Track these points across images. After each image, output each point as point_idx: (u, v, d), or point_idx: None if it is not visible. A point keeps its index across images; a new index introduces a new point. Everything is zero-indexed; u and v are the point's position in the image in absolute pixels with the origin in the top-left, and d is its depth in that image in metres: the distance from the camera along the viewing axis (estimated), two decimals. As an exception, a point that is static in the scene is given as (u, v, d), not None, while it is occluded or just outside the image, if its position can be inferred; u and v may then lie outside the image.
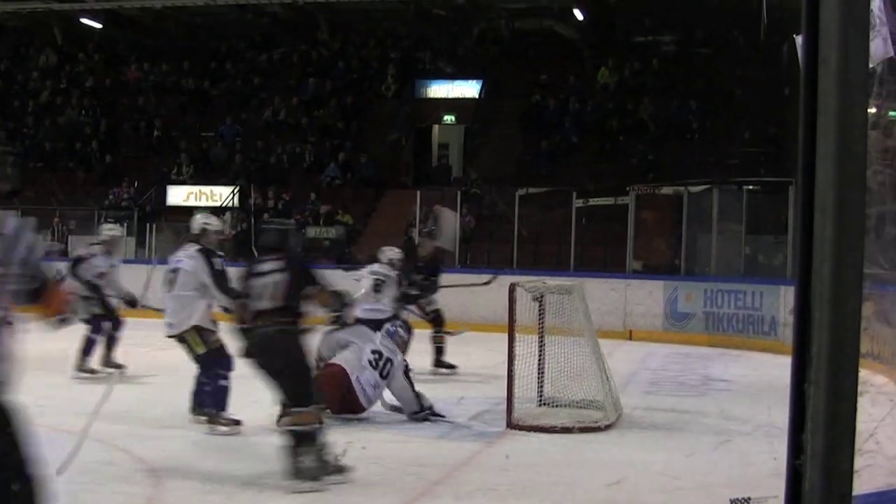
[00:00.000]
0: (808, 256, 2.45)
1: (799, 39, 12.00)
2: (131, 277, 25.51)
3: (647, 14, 32.49)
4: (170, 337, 11.87)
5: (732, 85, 30.89)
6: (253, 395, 11.15)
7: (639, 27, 33.40)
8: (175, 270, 11.89)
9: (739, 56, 31.17)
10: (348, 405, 11.89)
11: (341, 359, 12.15)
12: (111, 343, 16.30)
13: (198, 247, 11.82)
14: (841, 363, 2.42)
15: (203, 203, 32.08)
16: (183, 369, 12.37)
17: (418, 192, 28.64)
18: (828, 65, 2.41)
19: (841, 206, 2.40)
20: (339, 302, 9.95)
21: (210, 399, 11.52)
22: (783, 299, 21.36)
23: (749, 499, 7.43)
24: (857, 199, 2.41)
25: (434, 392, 13.07)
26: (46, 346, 9.80)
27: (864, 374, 2.53)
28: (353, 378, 11.92)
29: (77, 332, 14.90)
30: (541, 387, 12.81)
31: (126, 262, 28.07)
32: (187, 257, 11.82)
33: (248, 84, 36.77)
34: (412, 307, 16.86)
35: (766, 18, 23.03)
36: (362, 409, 12.01)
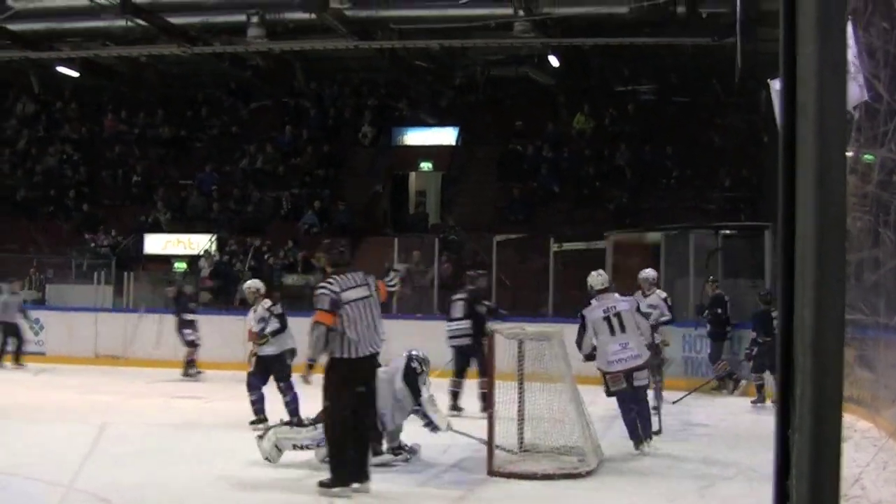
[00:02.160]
0: (790, 302, 2.45)
1: (774, 85, 12.09)
2: (111, 326, 25.49)
3: (622, 61, 32.62)
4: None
5: (709, 131, 31.04)
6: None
7: (615, 75, 33.53)
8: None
9: (715, 102, 31.36)
10: None
11: None
12: None
13: None
14: (824, 408, 2.42)
15: (181, 251, 32.06)
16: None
17: (396, 240, 28.69)
18: (806, 111, 2.42)
19: (822, 252, 2.40)
20: None
21: None
22: (759, 343, 21.40)
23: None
24: (837, 245, 2.42)
25: (416, 439, 13.04)
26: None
27: (847, 419, 2.53)
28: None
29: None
30: (521, 433, 12.80)
31: (103, 310, 28.25)
32: None
33: (225, 133, 36.79)
34: None
35: (740, 64, 23.17)
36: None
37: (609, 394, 13.61)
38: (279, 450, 12.24)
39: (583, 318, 14.06)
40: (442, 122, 35.71)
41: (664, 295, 18.94)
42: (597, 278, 14.46)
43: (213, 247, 32.00)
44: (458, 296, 18.07)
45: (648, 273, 19.04)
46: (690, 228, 25.10)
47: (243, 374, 23.91)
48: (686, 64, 31.66)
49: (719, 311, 22.04)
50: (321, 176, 34.37)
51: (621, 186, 31.07)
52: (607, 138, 32.98)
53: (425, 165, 35.74)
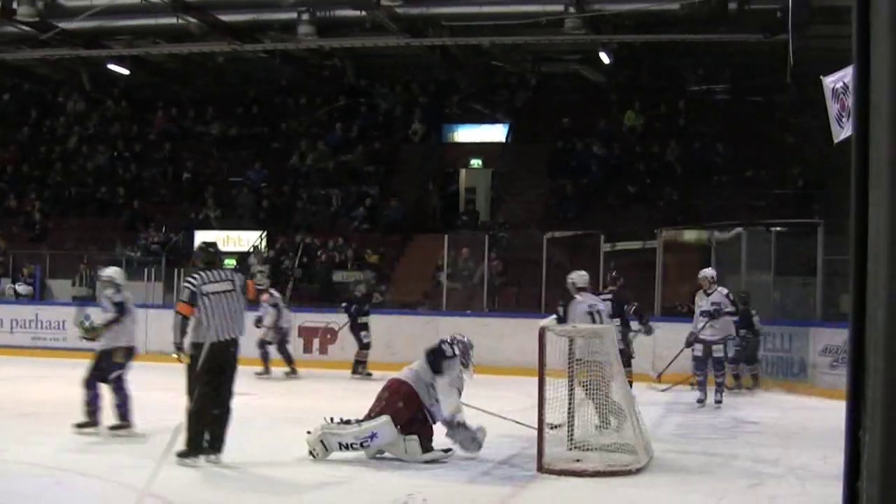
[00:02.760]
0: (862, 303, 2.44)
1: (826, 81, 11.98)
2: (162, 323, 25.65)
3: (673, 58, 32.53)
4: None
5: (761, 128, 30.87)
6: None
7: (666, 71, 33.45)
8: None
9: (767, 99, 31.23)
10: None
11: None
12: None
13: None
14: (896, 410, 2.41)
15: (231, 248, 32.16)
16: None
17: (446, 237, 28.70)
18: (879, 111, 2.41)
19: (895, 252, 2.39)
20: None
21: None
22: (812, 341, 21.30)
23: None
24: (910, 245, 2.41)
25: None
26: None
27: (918, 420, 2.52)
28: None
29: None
30: (571, 430, 12.78)
31: (154, 306, 28.43)
32: None
33: (274, 129, 36.91)
34: None
35: (792, 61, 23.05)
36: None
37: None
38: (325, 446, 12.26)
39: (564, 309, 15.59)
40: (492, 119, 35.70)
41: (726, 291, 19.81)
42: (581, 277, 16.03)
43: (263, 244, 32.10)
44: (605, 296, 18.13)
45: (708, 272, 19.98)
46: (743, 226, 24.99)
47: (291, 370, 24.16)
48: (738, 61, 31.57)
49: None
50: (371, 173, 34.44)
51: (672, 183, 30.95)
52: (658, 135, 32.86)
53: (475, 162, 35.74)
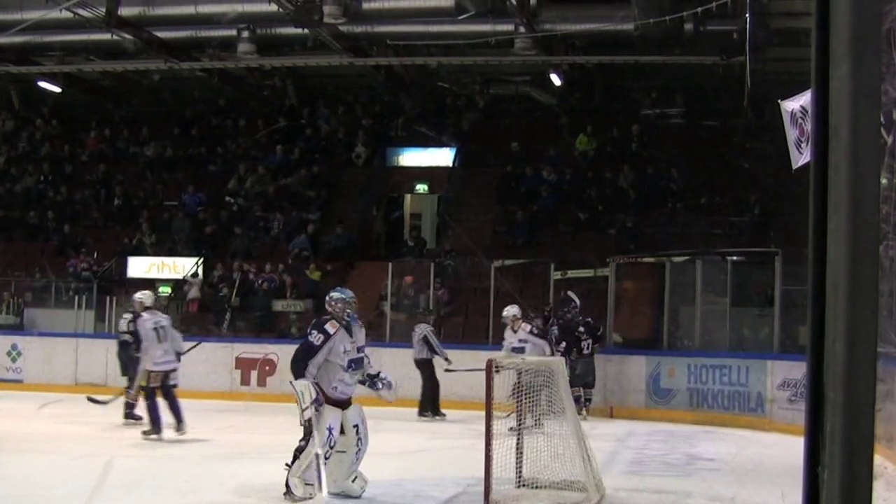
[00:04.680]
0: (820, 334, 2.45)
1: (785, 106, 12.07)
2: (92, 353, 25.44)
3: (626, 80, 32.69)
4: None
5: (716, 153, 31.01)
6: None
7: (618, 94, 33.60)
8: None
9: (723, 124, 31.40)
10: None
11: None
12: None
13: None
14: (856, 445, 2.41)
15: (166, 275, 32.01)
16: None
17: (390, 264, 28.65)
18: (839, 135, 2.42)
19: (854, 281, 2.40)
20: None
21: None
22: (770, 374, 21.40)
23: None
24: (870, 274, 2.42)
25: (411, 472, 13.01)
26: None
27: (877, 457, 2.52)
28: None
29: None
30: (519, 467, 12.75)
31: (84, 336, 28.22)
32: None
33: (212, 151, 36.78)
34: None
35: (749, 84, 23.22)
36: None
37: None
38: (306, 481, 11.97)
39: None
40: (439, 143, 35.66)
41: (528, 328, 20.74)
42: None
43: (200, 271, 31.94)
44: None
45: (511, 310, 20.75)
46: (697, 254, 25.12)
47: (229, 404, 24.07)
48: (693, 83, 31.72)
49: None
50: (313, 198, 34.34)
51: (625, 210, 31.03)
52: (611, 160, 32.96)
53: (421, 187, 35.73)
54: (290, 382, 12.06)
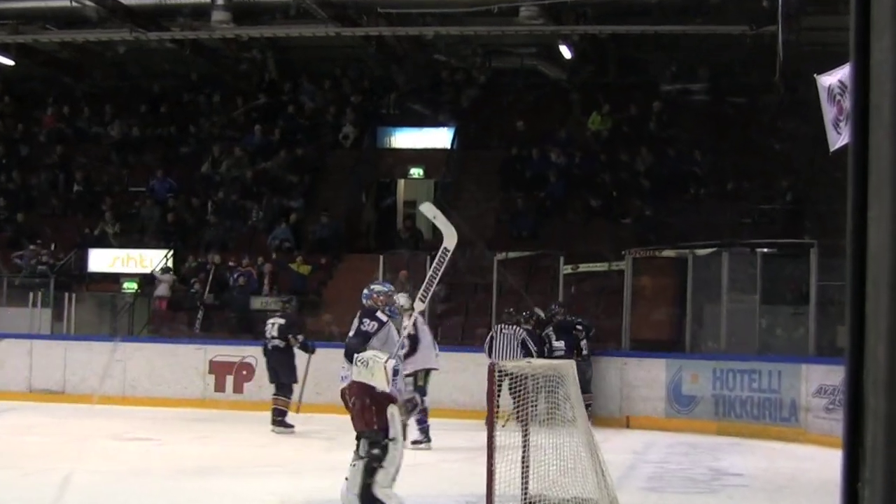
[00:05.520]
0: (860, 336, 2.43)
1: (821, 81, 12.05)
2: (49, 356, 25.44)
3: (644, 52, 32.65)
4: None
5: (746, 133, 30.96)
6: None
7: (636, 69, 33.55)
8: None
9: (752, 101, 31.34)
10: None
11: None
12: None
13: None
14: (899, 458, 2.40)
15: (131, 269, 31.96)
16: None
17: (381, 258, 28.61)
18: (880, 113, 2.40)
19: (898, 276, 2.38)
20: None
21: None
22: (804, 380, 21.37)
23: None
24: (916, 267, 2.40)
25: (405, 489, 12.98)
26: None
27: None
28: None
29: None
30: (525, 483, 12.73)
31: (40, 337, 28.20)
32: None
33: (183, 131, 36.73)
34: None
35: (781, 56, 23.19)
36: None
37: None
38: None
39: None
40: (435, 122, 35.60)
41: (422, 319, 20.81)
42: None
43: (170, 264, 31.86)
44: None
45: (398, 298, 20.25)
46: (723, 246, 25.07)
47: (201, 412, 24.09)
48: (719, 57, 31.67)
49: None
50: (295, 183, 34.26)
51: (643, 197, 30.97)
52: (627, 141, 32.90)
53: (416, 172, 35.70)
54: (357, 361, 11.91)
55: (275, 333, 21.76)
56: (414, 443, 18.37)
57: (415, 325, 19.12)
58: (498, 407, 11.98)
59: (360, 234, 34.13)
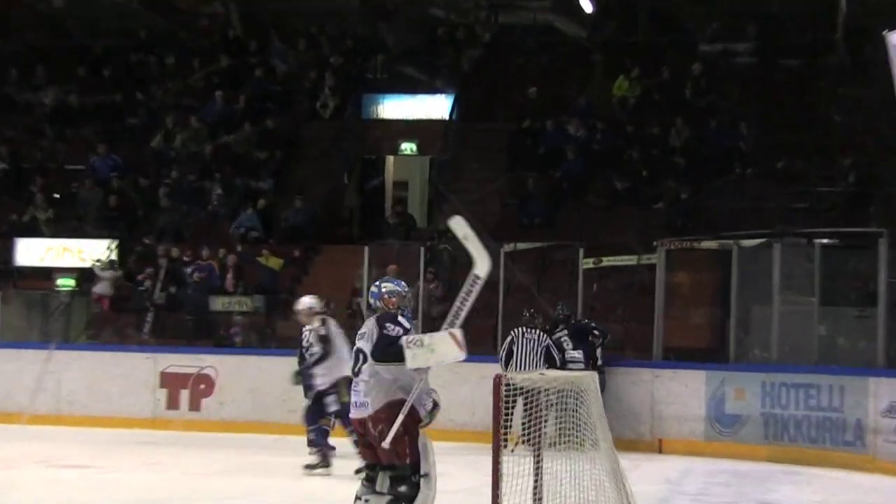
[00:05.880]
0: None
1: (891, 37, 11.83)
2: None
3: (678, 6, 32.55)
4: None
5: (798, 101, 30.87)
6: None
7: (670, 24, 33.42)
8: None
9: (809, 62, 31.25)
10: None
11: None
12: None
13: None
14: None
15: (67, 263, 31.79)
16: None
17: (366, 249, 28.39)
18: None
19: None
20: None
21: None
22: (872, 396, 21.21)
23: None
24: None
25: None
26: None
27: None
28: None
29: None
30: (539, 518, 12.60)
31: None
32: None
33: (131, 99, 36.61)
34: None
35: (844, 8, 23.04)
36: None
37: None
38: None
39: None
40: (431, 89, 35.56)
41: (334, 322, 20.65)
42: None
43: (114, 256, 31.67)
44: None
45: (307, 301, 20.60)
46: (775, 236, 24.89)
47: (150, 435, 23.97)
48: (768, 11, 31.57)
49: None
50: (264, 161, 34.14)
51: (678, 177, 30.82)
52: (659, 111, 32.76)
53: (407, 147, 35.63)
54: (410, 343, 11.70)
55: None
56: (307, 467, 18.90)
57: (326, 325, 19.22)
58: (508, 428, 11.72)
59: (342, 222, 34.14)
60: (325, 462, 19.04)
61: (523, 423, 12.53)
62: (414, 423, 11.40)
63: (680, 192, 30.35)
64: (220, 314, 29.59)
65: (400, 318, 11.87)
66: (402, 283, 12.53)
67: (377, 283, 12.47)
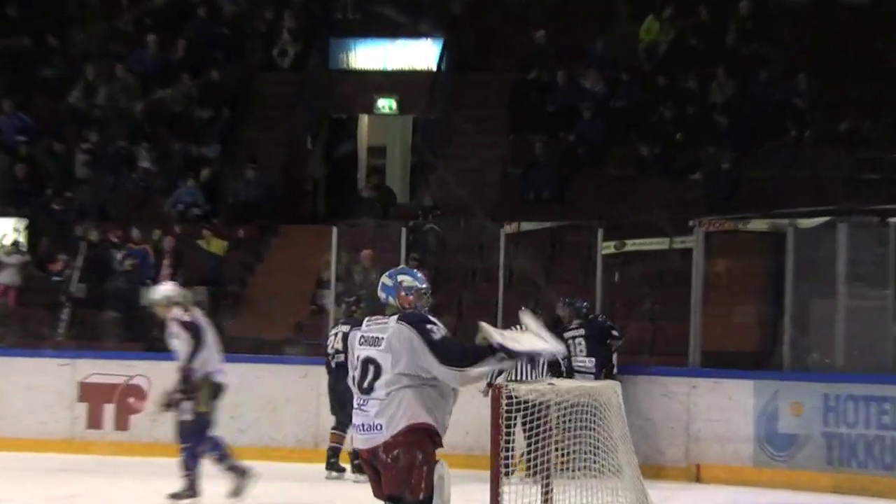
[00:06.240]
0: None
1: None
2: None
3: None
4: None
5: (865, 48, 30.87)
6: None
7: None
8: None
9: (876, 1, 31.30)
10: None
11: None
12: None
13: None
14: None
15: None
16: None
17: (334, 230, 28.31)
18: None
19: None
20: None
21: None
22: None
23: None
24: None
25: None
26: None
27: None
28: None
29: None
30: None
31: None
32: None
33: (42, 45, 36.52)
34: None
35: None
36: None
37: None
38: None
39: None
40: (413, 33, 35.48)
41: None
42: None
43: (21, 238, 31.63)
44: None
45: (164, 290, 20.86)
46: (839, 214, 24.81)
47: (67, 460, 23.89)
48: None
49: None
50: (209, 121, 34.11)
51: (718, 142, 30.78)
52: (696, 59, 32.71)
53: (385, 104, 35.65)
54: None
55: (340, 346, 21.50)
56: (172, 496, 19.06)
57: (190, 312, 19.25)
58: (509, 450, 11.62)
59: (304, 196, 34.08)
60: (191, 490, 19.04)
61: (530, 444, 12.44)
62: (434, 448, 11.34)
63: (721, 161, 30.37)
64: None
65: (433, 318, 11.88)
66: (421, 275, 12.35)
67: (390, 274, 12.24)
